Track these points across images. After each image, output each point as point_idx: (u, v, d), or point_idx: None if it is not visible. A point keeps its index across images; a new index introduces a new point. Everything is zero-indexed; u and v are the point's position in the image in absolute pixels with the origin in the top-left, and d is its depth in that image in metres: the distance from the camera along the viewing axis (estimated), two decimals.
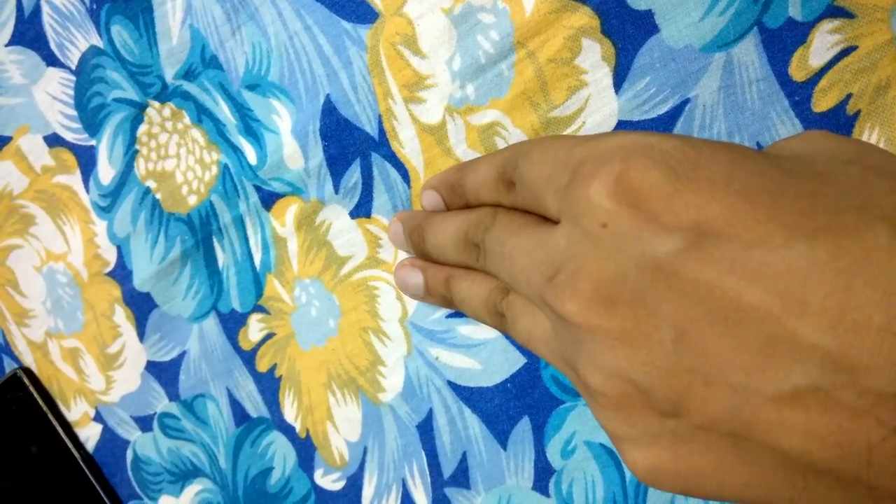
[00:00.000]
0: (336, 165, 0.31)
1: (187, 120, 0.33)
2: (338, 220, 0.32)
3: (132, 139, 0.34)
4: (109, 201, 0.36)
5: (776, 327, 0.15)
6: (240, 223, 0.33)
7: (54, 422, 0.39)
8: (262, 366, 0.35)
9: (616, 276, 0.17)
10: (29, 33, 0.35)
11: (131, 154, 0.34)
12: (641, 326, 0.17)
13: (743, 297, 0.15)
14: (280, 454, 0.35)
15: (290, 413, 0.35)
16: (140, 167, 0.34)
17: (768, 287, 0.15)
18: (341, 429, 0.34)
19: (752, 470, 0.16)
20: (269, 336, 0.34)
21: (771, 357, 0.15)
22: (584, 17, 0.26)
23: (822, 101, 0.26)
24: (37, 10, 0.35)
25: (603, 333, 0.17)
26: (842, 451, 0.14)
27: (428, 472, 0.33)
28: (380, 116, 0.30)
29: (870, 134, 0.26)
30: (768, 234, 0.15)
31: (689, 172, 0.17)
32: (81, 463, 0.39)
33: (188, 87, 0.32)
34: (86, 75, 0.35)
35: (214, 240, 0.34)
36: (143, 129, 0.34)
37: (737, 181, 0.16)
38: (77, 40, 0.34)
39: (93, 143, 0.35)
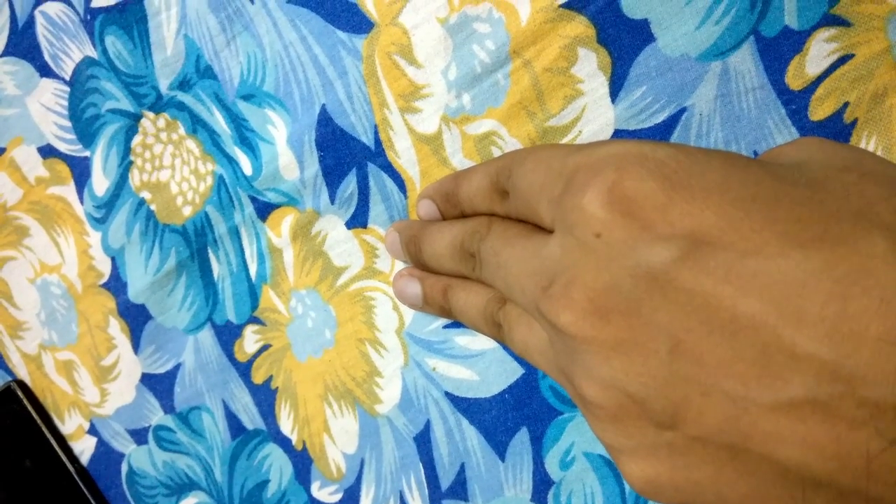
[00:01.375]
0: (332, 176, 0.31)
1: (182, 130, 0.33)
2: (334, 231, 0.32)
3: (126, 150, 0.34)
4: (104, 212, 0.35)
5: (772, 337, 0.15)
6: (235, 234, 0.33)
7: (48, 435, 0.39)
8: (258, 377, 0.35)
9: (610, 286, 0.17)
10: (23, 44, 0.35)
11: (126, 165, 0.34)
12: (636, 336, 0.17)
13: (738, 306, 0.15)
14: (276, 467, 0.35)
15: (286, 425, 0.35)
16: (134, 178, 0.34)
17: (764, 296, 0.15)
18: (338, 441, 0.34)
19: (750, 482, 0.16)
20: (264, 347, 0.34)
21: (767, 367, 0.15)
22: (580, 27, 0.26)
23: (819, 110, 0.26)
24: (30, 21, 0.35)
25: (598, 344, 0.17)
26: (840, 462, 0.14)
27: (426, 484, 0.32)
28: (376, 126, 0.30)
29: (867, 142, 0.26)
30: (764, 242, 0.15)
31: (684, 181, 0.16)
32: (76, 476, 0.39)
33: (183, 97, 0.32)
34: (80, 86, 0.34)
35: (209, 251, 0.34)
36: (137, 139, 0.34)
37: (731, 189, 0.16)
38: (71, 51, 0.34)
39: (87, 154, 0.35)
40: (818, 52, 0.25)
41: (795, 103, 0.26)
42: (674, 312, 0.16)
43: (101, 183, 0.35)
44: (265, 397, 0.35)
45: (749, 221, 0.15)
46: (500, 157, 0.25)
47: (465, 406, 0.31)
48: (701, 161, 0.17)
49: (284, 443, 0.35)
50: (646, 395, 0.17)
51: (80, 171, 0.36)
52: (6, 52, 0.36)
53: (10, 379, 0.40)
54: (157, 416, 0.37)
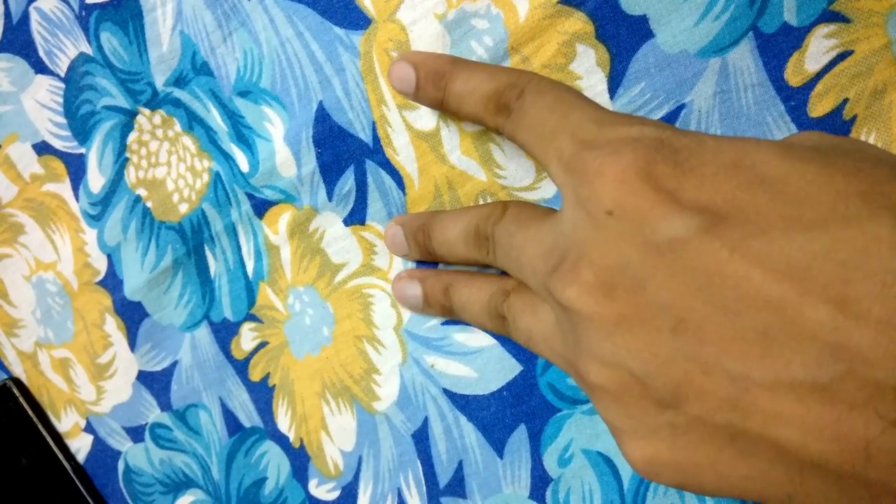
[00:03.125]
0: (329, 173, 0.31)
1: (178, 127, 0.33)
2: (332, 228, 0.32)
3: (122, 147, 0.34)
4: (99, 210, 0.35)
5: (775, 317, 0.15)
6: (232, 231, 0.33)
7: (44, 433, 0.39)
8: (256, 375, 0.35)
9: (617, 264, 0.17)
10: (17, 40, 0.35)
11: (121, 162, 0.34)
12: (640, 313, 0.17)
13: (742, 286, 0.15)
14: (274, 464, 0.35)
15: (283, 422, 0.34)
16: (130, 175, 0.34)
17: (768, 277, 0.15)
18: (336, 438, 0.33)
19: (749, 462, 0.16)
20: (262, 345, 0.34)
21: (769, 347, 0.15)
22: (579, 23, 0.26)
23: (819, 106, 0.26)
24: (25, 17, 0.34)
25: (601, 320, 0.17)
26: (839, 444, 0.14)
27: (424, 482, 0.32)
28: (374, 123, 0.29)
29: (867, 139, 0.26)
30: (769, 225, 0.15)
31: (696, 167, 0.17)
32: (72, 474, 0.39)
33: (179, 94, 0.32)
34: (75, 83, 0.34)
35: (206, 248, 0.34)
36: (133, 136, 0.34)
37: (741, 173, 0.16)
38: (66, 47, 0.34)
39: (82, 150, 0.35)
40: (817, 49, 0.25)
41: (795, 100, 0.26)
42: (678, 291, 0.16)
43: (96, 180, 0.35)
44: (262, 395, 0.35)
45: (754, 204, 0.16)
46: (511, 70, 0.24)
47: (464, 403, 0.31)
48: (712, 147, 0.17)
49: (282, 440, 0.35)
50: (647, 372, 0.17)
51: (76, 168, 0.35)
52: (0, 49, 0.35)
53: (5, 377, 0.40)
54: (153, 414, 0.37)
